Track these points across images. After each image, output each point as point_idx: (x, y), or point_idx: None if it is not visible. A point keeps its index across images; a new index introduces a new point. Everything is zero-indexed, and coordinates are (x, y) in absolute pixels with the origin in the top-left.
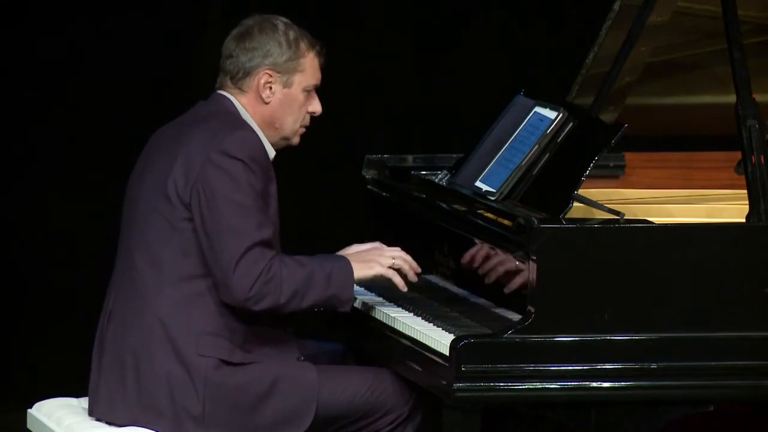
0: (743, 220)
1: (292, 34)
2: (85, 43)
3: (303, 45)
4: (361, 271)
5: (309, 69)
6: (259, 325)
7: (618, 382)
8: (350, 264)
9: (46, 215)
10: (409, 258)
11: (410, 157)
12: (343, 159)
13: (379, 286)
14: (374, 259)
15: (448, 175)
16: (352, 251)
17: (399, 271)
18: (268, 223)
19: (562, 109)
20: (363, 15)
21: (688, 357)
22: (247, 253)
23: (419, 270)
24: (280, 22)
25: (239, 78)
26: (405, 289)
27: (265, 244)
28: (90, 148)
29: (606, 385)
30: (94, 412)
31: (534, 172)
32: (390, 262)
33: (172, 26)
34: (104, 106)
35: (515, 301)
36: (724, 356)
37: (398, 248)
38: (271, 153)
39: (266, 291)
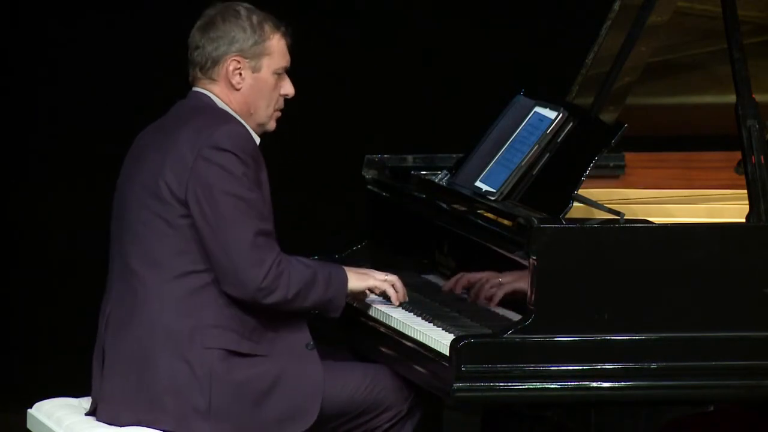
0: (743, 220)
1: (255, 18)
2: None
3: (267, 28)
4: (355, 281)
5: (276, 51)
6: (265, 313)
7: (618, 382)
8: (346, 272)
9: (45, 215)
10: (400, 283)
11: (410, 157)
12: (343, 159)
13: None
14: (369, 273)
15: (448, 175)
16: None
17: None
18: (268, 214)
19: (562, 109)
20: (363, 14)
21: (688, 357)
22: (255, 243)
23: (407, 299)
24: (242, 7)
25: (208, 68)
26: (397, 302)
27: (270, 234)
28: (90, 147)
29: (606, 385)
30: (99, 417)
31: (534, 172)
32: (383, 277)
33: (171, 26)
34: (101, 105)
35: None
36: (724, 356)
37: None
38: (257, 140)
39: (277, 284)
